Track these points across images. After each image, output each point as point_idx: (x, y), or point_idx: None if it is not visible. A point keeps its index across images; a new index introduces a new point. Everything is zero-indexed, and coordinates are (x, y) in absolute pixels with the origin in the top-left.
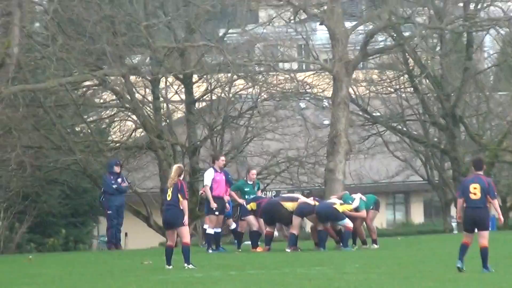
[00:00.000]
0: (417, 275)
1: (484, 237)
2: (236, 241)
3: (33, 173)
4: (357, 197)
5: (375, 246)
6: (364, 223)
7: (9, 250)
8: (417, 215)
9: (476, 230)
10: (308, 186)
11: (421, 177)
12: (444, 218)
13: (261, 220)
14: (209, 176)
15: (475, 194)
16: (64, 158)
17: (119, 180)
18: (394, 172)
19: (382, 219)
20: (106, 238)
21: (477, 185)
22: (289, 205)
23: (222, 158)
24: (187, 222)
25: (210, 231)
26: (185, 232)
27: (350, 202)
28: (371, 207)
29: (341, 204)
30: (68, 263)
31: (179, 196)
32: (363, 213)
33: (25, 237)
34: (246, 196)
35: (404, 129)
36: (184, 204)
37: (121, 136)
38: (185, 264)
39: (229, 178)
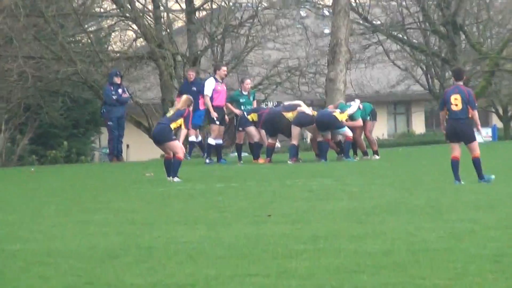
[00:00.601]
0: (418, 186)
1: (473, 149)
2: (205, 153)
3: (34, 84)
4: (356, 103)
5: (377, 157)
6: (364, 135)
7: (11, 163)
8: (419, 125)
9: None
10: (309, 96)
11: (422, 87)
12: None
13: (263, 131)
14: (209, 86)
15: (456, 105)
16: (65, 69)
17: (120, 91)
18: (395, 82)
19: (383, 129)
20: (108, 150)
21: (457, 96)
22: (290, 115)
23: (224, 68)
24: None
25: (212, 141)
26: (176, 147)
27: (347, 109)
28: (368, 118)
29: (340, 113)
30: (70, 175)
31: (182, 124)
32: (359, 122)
33: (26, 149)
34: (242, 107)
35: (405, 37)
36: (183, 133)
37: (122, 46)
38: (171, 176)
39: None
